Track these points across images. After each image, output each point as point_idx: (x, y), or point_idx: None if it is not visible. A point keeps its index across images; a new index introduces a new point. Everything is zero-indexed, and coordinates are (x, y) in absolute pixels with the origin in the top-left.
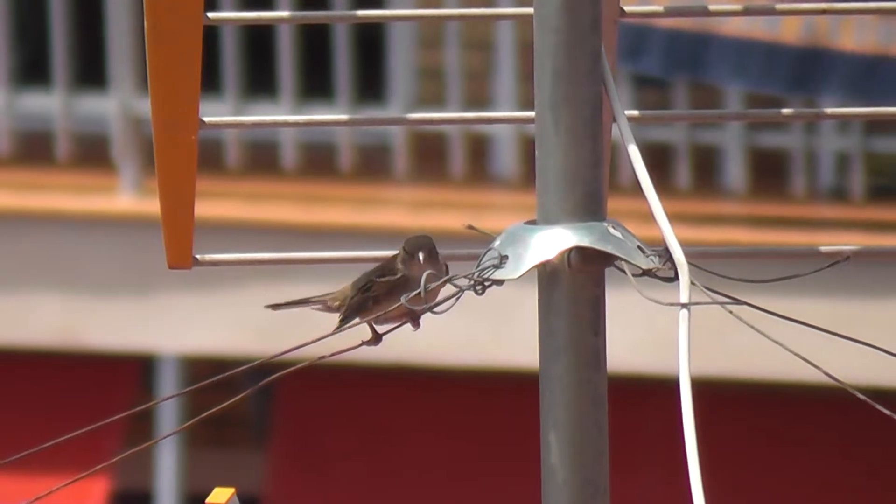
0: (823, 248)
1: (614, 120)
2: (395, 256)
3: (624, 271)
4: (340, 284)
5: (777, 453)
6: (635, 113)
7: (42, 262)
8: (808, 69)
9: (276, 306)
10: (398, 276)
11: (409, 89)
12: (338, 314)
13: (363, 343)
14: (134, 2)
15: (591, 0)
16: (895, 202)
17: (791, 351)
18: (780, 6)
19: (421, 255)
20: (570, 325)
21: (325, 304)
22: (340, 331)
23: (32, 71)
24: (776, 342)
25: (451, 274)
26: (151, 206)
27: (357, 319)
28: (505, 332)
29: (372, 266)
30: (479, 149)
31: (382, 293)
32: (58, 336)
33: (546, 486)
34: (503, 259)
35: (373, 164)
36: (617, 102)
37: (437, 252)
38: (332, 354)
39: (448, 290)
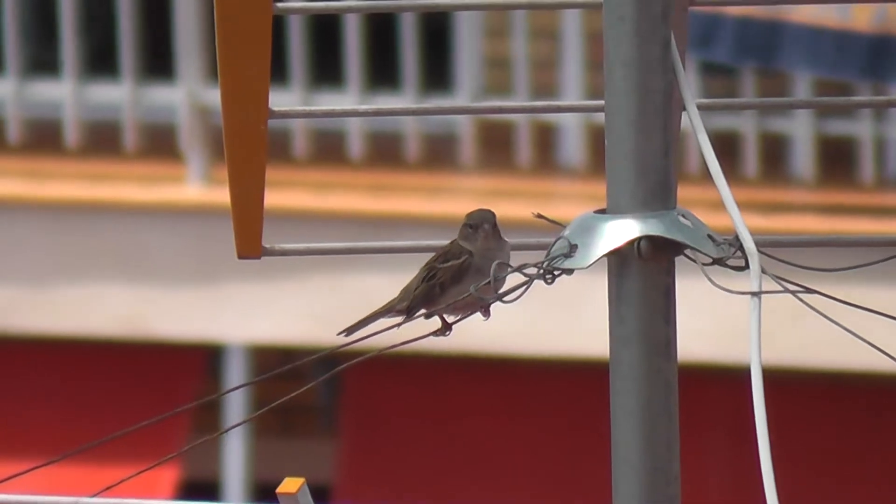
0: (894, 237)
1: (684, 108)
2: (454, 241)
3: (694, 260)
4: (407, 274)
5: (846, 442)
6: (705, 101)
7: (110, 252)
8: (878, 57)
9: (348, 330)
10: (462, 259)
11: (476, 78)
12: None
13: (432, 333)
14: None
15: None
16: None
17: (862, 339)
18: None
19: (486, 227)
20: (640, 313)
21: (393, 309)
22: (409, 320)
23: (100, 61)
24: (848, 330)
25: (512, 255)
26: (219, 195)
27: (424, 311)
28: (574, 321)
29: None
30: (546, 138)
31: (448, 279)
32: (126, 326)
33: (617, 474)
34: (573, 248)
35: (440, 154)
36: (687, 91)
37: (498, 228)
38: (401, 343)
39: (518, 278)
